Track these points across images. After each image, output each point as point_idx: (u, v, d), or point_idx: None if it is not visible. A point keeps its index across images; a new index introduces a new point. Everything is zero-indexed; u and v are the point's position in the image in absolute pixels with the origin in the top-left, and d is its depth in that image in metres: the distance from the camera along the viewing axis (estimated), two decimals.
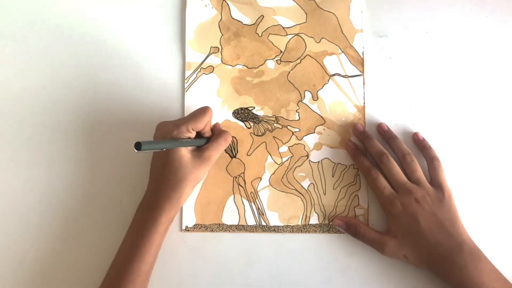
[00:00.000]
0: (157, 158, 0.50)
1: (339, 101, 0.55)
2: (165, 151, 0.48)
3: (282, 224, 0.53)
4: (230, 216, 0.53)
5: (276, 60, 0.55)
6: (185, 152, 0.48)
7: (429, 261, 0.48)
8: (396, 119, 0.55)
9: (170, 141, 0.47)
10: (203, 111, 0.49)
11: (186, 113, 0.54)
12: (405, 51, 0.56)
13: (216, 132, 0.53)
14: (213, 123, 0.54)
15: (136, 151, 0.41)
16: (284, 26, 0.56)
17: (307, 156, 0.54)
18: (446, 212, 0.49)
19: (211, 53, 0.56)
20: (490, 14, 0.56)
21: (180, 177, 0.47)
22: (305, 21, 0.56)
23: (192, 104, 0.54)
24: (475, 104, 0.55)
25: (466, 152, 0.54)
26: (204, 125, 0.49)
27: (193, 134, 0.49)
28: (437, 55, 0.56)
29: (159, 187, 0.48)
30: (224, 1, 0.56)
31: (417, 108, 0.55)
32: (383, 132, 0.54)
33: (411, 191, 0.49)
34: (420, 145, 0.53)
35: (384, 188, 0.51)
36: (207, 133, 0.52)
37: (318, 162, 0.54)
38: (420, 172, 0.51)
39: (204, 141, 0.51)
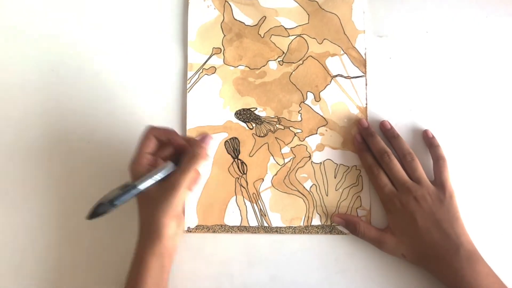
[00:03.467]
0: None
1: (341, 102, 0.55)
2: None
3: (284, 225, 0.53)
4: (232, 217, 0.53)
5: (279, 61, 0.55)
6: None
7: (426, 260, 0.49)
8: (397, 119, 0.54)
9: (128, 190, 0.40)
10: (144, 132, 0.46)
11: (189, 114, 0.54)
12: (405, 51, 0.56)
13: (187, 151, 0.46)
14: (215, 124, 0.54)
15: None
16: (286, 27, 0.56)
17: (309, 157, 0.54)
18: (446, 212, 0.49)
19: (213, 54, 0.55)
20: (490, 14, 0.56)
21: (151, 214, 0.44)
22: (307, 22, 0.56)
23: (194, 105, 0.54)
24: (476, 103, 0.55)
25: (466, 151, 0.54)
26: (152, 140, 0.46)
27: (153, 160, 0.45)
28: (437, 55, 0.56)
29: (141, 232, 0.46)
30: (226, 2, 0.56)
31: (417, 108, 0.55)
32: (385, 130, 0.54)
33: (410, 189, 0.49)
34: (428, 143, 0.53)
35: (385, 185, 0.51)
36: (170, 140, 0.46)
37: (321, 163, 0.54)
38: (420, 171, 0.51)
39: (170, 166, 0.45)
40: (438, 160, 0.52)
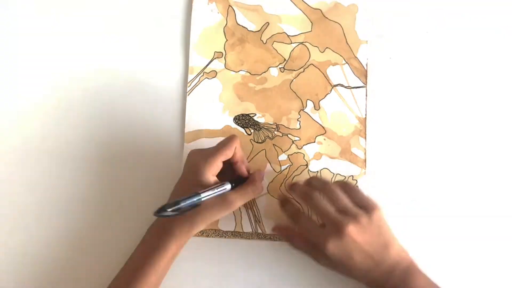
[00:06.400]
0: (180, 186, 0.49)
1: (340, 112, 0.55)
2: (188, 181, 0.48)
3: None
4: (226, 222, 0.53)
5: (280, 68, 0.55)
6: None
7: (363, 281, 0.46)
8: (397, 130, 0.54)
9: (192, 197, 0.45)
10: (229, 140, 0.48)
11: (187, 117, 0.54)
12: (405, 51, 0.56)
13: (251, 179, 0.50)
14: (213, 128, 0.54)
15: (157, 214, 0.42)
16: (289, 34, 0.56)
17: (306, 165, 0.54)
18: (376, 236, 0.45)
19: (215, 58, 0.55)
20: (491, 14, 0.56)
21: (197, 210, 0.46)
22: (310, 30, 0.56)
23: (193, 108, 0.54)
24: (476, 104, 0.55)
25: (466, 152, 0.54)
26: (232, 152, 0.48)
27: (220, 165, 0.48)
28: (437, 55, 0.55)
29: (172, 226, 0.47)
30: (230, 7, 0.56)
31: (417, 109, 0.54)
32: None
33: (356, 216, 0.45)
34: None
35: (330, 210, 0.46)
36: (239, 161, 0.50)
37: (317, 172, 0.54)
38: (345, 200, 0.46)
39: (228, 187, 0.48)
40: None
